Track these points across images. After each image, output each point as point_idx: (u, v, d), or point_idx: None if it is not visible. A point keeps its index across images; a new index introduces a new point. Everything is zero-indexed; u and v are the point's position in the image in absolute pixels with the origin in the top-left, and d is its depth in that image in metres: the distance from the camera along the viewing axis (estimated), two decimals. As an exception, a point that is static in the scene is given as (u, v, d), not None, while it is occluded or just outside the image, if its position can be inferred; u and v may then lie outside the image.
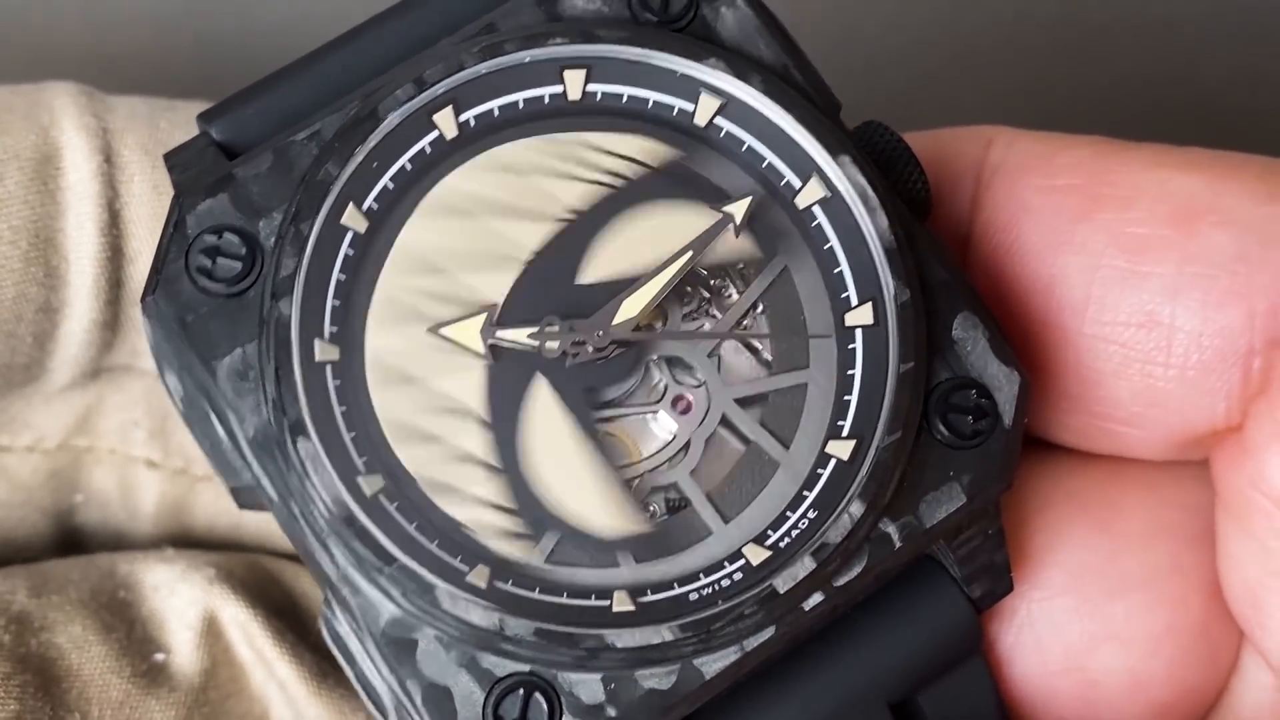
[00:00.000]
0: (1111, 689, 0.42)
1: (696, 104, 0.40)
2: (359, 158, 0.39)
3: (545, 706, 0.37)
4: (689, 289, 0.40)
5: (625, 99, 0.40)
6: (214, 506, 0.46)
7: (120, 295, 0.44)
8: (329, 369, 0.38)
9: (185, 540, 0.47)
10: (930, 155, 0.42)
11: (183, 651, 0.43)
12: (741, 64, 0.40)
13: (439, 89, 0.39)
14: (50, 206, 0.43)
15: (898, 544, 0.38)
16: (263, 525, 0.46)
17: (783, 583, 0.37)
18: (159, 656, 0.42)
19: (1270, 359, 0.40)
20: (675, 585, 0.38)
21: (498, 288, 0.39)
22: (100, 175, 0.43)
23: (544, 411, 0.39)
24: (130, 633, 0.42)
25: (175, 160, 0.40)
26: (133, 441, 0.46)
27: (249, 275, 0.38)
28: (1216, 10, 0.65)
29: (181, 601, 0.43)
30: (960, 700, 0.40)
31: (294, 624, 0.44)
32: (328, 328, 0.38)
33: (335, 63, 0.40)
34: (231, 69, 0.49)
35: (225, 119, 0.40)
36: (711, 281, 0.40)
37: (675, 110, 0.40)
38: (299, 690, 0.42)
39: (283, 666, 0.43)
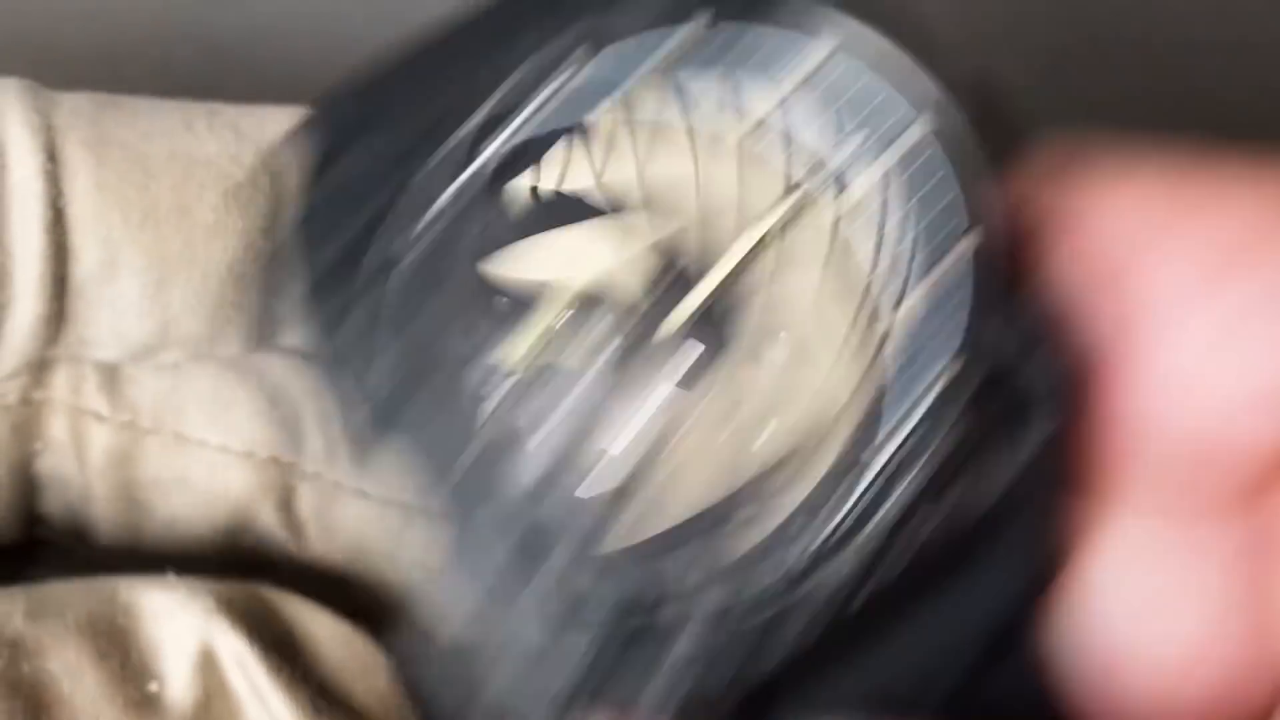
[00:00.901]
0: (1147, 700, 0.42)
1: None
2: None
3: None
4: None
5: None
6: (159, 459, 0.48)
7: (64, 290, 0.45)
8: None
9: (130, 492, 0.48)
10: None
11: (177, 682, 0.43)
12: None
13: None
14: None
15: (960, 509, 0.38)
16: (209, 475, 0.48)
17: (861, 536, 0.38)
18: (153, 686, 0.43)
19: None
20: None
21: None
22: (44, 173, 0.44)
23: None
24: (125, 661, 0.43)
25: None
26: (83, 394, 0.47)
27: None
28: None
29: (179, 629, 0.43)
30: (1012, 678, 0.41)
31: (291, 657, 0.45)
32: None
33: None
34: (231, 69, 0.50)
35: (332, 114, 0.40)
36: None
37: None
38: None
39: (276, 700, 0.43)
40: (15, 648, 0.43)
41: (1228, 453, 0.40)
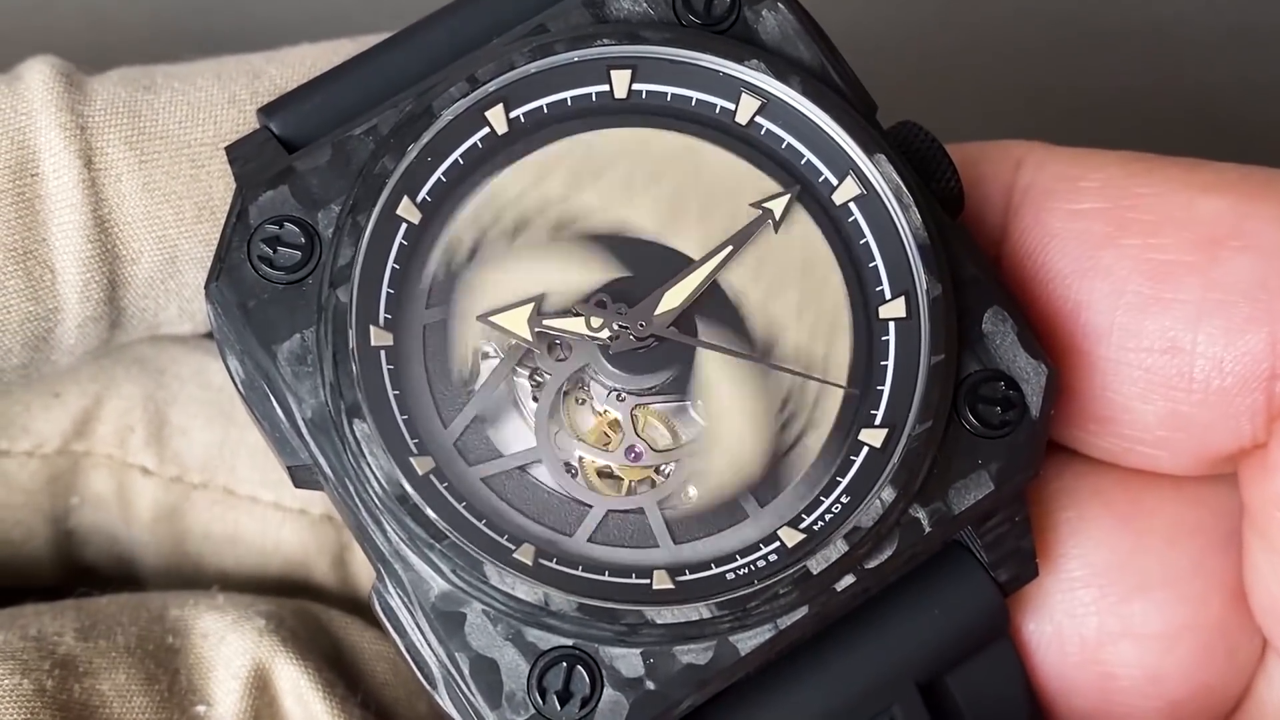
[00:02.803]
0: (1128, 684, 0.43)
1: (737, 103, 0.42)
2: (414, 152, 0.40)
3: (587, 679, 0.38)
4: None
5: (669, 98, 0.42)
6: (209, 514, 0.47)
7: (121, 294, 0.44)
8: (384, 354, 0.40)
9: (179, 547, 0.47)
10: (961, 174, 0.43)
11: (226, 703, 0.42)
12: (781, 65, 0.41)
13: (491, 87, 0.41)
14: (29, 218, 0.43)
15: (927, 529, 0.40)
16: (260, 530, 0.47)
17: (816, 564, 0.39)
18: (200, 709, 0.42)
19: None
20: (713, 565, 0.39)
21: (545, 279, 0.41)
22: (81, 183, 0.43)
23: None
24: (173, 683, 0.42)
25: (237, 153, 0.41)
26: (129, 448, 0.46)
27: (308, 264, 0.40)
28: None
29: (230, 651, 0.42)
30: (988, 682, 0.42)
31: (342, 676, 0.44)
32: (382, 314, 0.40)
33: (390, 61, 0.42)
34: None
35: (285, 114, 0.41)
36: None
37: (717, 109, 0.42)
38: None
39: None
40: (66, 668, 0.41)
41: (1200, 421, 0.41)
